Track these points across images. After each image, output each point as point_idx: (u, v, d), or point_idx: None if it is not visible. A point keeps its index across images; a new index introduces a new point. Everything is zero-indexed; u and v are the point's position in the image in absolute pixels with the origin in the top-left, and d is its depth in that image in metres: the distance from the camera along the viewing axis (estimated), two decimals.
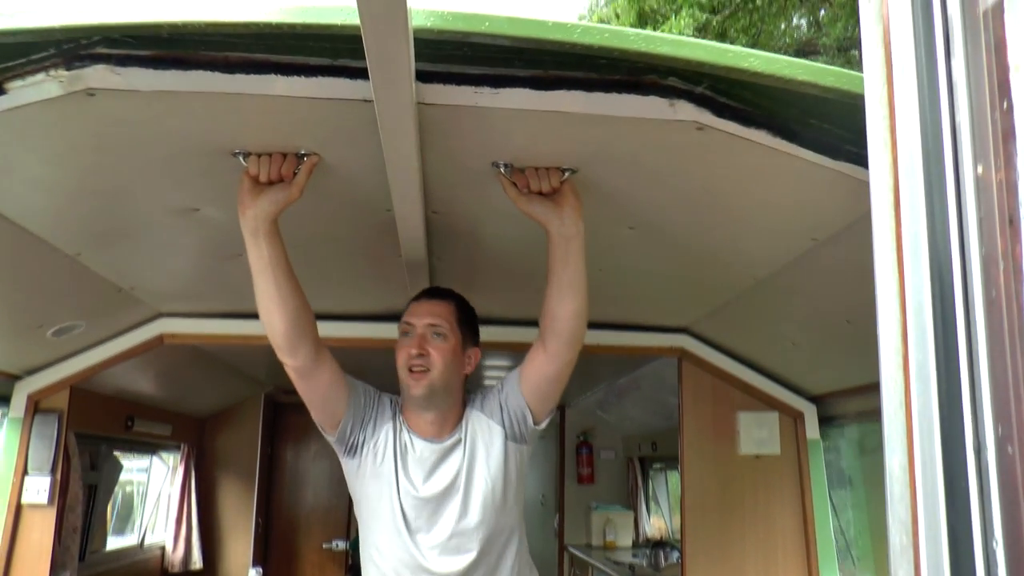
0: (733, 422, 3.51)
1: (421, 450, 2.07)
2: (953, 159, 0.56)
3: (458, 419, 2.12)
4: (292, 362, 1.97)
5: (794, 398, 3.51)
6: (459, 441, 2.08)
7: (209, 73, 1.41)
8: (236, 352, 4.24)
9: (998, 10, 0.52)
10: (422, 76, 1.41)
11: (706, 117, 1.50)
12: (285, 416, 6.34)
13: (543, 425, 2.12)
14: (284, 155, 1.74)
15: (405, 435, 2.08)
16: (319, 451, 6.35)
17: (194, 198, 2.01)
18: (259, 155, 1.75)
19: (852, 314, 2.47)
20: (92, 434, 3.96)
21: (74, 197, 2.01)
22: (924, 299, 0.60)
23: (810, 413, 3.51)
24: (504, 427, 2.08)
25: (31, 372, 3.26)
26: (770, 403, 3.51)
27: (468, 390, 2.20)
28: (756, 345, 3.39)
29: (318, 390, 2.03)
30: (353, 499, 2.18)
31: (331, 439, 2.11)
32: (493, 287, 2.89)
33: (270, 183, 1.76)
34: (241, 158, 1.73)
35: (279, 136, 1.67)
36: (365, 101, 1.44)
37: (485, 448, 2.08)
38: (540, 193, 1.81)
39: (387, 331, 3.11)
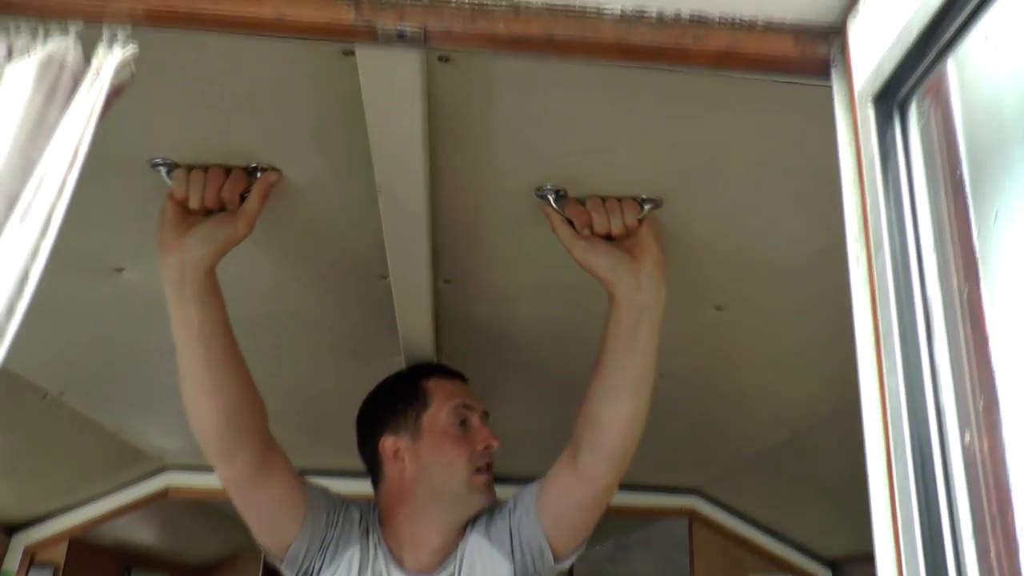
0: None
1: None
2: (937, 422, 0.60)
3: (454, 547, 1.56)
4: (228, 471, 1.42)
5: (809, 562, 3.41)
6: (455, 571, 1.54)
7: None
8: None
9: (974, 286, 0.57)
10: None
11: None
12: None
13: (567, 563, 1.56)
14: (227, 170, 1.19)
15: (381, 563, 1.52)
16: None
17: (116, 248, 1.43)
18: (189, 169, 1.18)
19: (861, 483, 2.44)
20: None
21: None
22: (910, 485, 0.62)
23: None
24: (514, 560, 1.51)
25: (30, 523, 3.21)
26: (784, 567, 3.41)
27: None
28: (768, 507, 3.33)
29: (264, 507, 1.48)
30: None
31: (276, 563, 1.56)
32: (532, 397, 2.15)
33: (206, 212, 1.21)
34: (163, 172, 1.17)
35: (218, 137, 1.14)
36: (345, 54, 0.94)
37: None
38: (607, 237, 1.24)
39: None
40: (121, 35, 0.80)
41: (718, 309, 1.58)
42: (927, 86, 0.67)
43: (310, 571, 1.52)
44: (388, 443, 1.59)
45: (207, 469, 3.14)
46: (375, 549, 1.55)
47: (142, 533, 4.10)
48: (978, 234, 0.59)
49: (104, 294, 1.59)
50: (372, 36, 0.83)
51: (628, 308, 1.28)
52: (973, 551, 0.56)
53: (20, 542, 3.18)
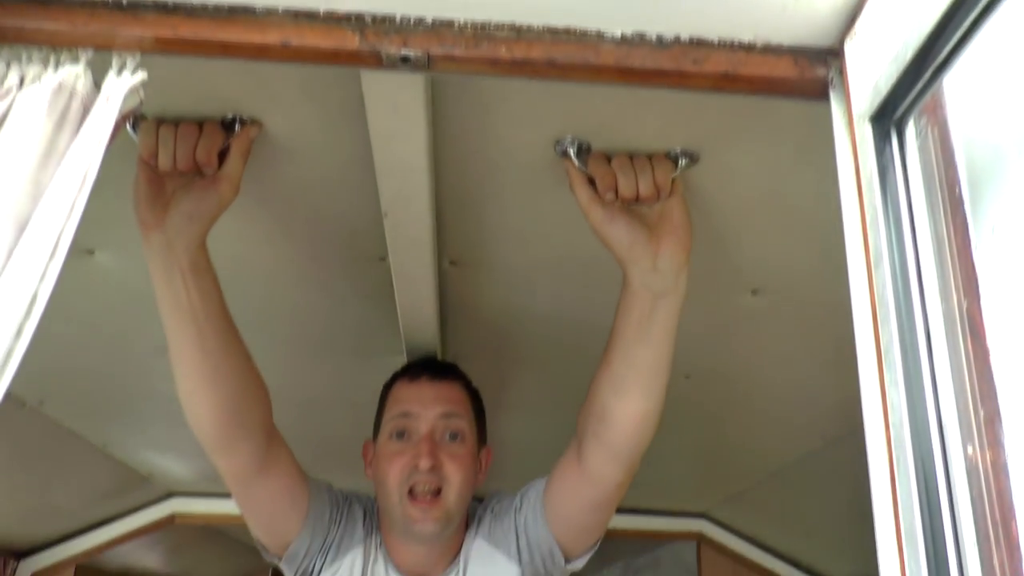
0: None
1: None
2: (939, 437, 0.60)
3: (456, 550, 1.43)
4: (228, 466, 1.31)
5: None
6: None
7: None
8: (246, 528, 4.15)
9: (974, 301, 0.58)
10: None
11: None
12: None
13: (580, 563, 1.42)
14: (200, 125, 1.03)
15: (380, 568, 1.41)
16: None
17: (82, 225, 1.02)
18: (159, 123, 1.03)
19: (864, 510, 2.43)
20: None
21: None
22: (914, 510, 0.62)
23: None
24: (520, 562, 1.39)
25: (37, 549, 3.21)
26: None
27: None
28: (775, 531, 3.31)
29: (265, 502, 1.38)
30: None
31: (274, 560, 1.47)
32: (548, 393, 1.94)
33: (180, 176, 1.06)
34: (128, 127, 1.02)
35: (190, 82, 0.99)
36: None
37: None
38: (634, 201, 1.08)
39: None
40: (130, 63, 0.82)
41: (754, 293, 1.44)
42: (924, 105, 0.68)
43: (310, 571, 1.42)
44: (367, 446, 1.52)
45: (213, 495, 3.17)
46: (375, 551, 1.43)
47: (148, 559, 4.09)
48: (977, 249, 0.59)
49: (75, 282, 1.44)
50: (377, 61, 0.85)
51: (642, 292, 1.12)
52: (977, 562, 0.56)
53: (28, 568, 3.18)
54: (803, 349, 1.63)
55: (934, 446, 0.60)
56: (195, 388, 1.19)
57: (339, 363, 1.85)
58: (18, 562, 3.17)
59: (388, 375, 1.56)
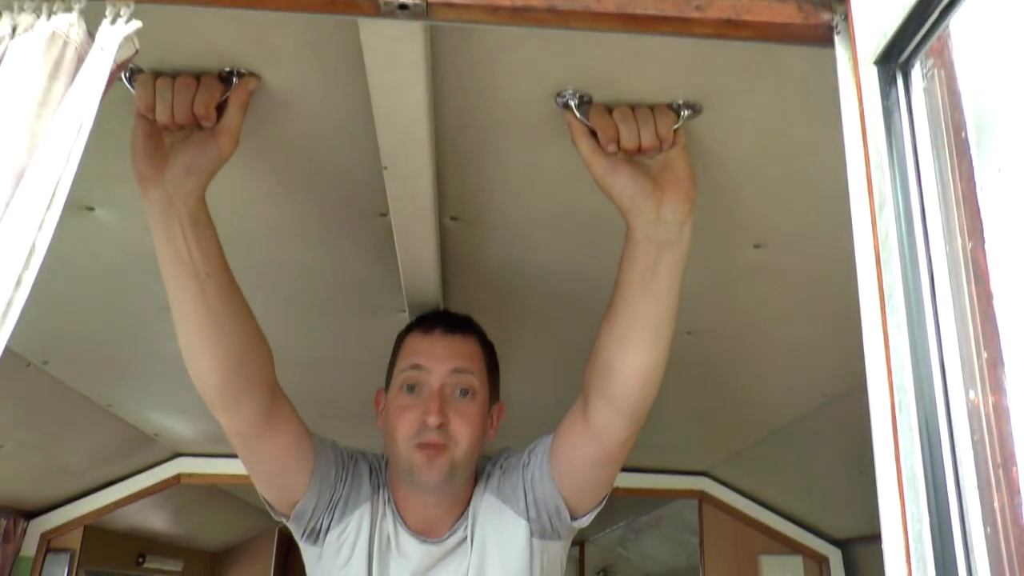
0: (756, 565, 3.41)
1: (409, 551, 1.41)
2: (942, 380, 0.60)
3: (465, 505, 1.44)
4: (232, 423, 1.31)
5: (818, 542, 3.42)
6: (463, 540, 1.42)
7: None
8: (252, 489, 4.19)
9: (978, 244, 0.57)
10: None
11: None
12: (298, 551, 6.18)
13: (586, 520, 1.43)
14: (197, 77, 1.02)
15: (389, 524, 1.42)
16: None
17: (81, 181, 0.89)
18: (156, 76, 1.02)
19: (864, 465, 2.45)
20: (102, 571, 3.91)
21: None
22: (917, 466, 0.62)
23: (835, 558, 3.40)
24: (528, 519, 1.40)
25: (46, 510, 3.25)
26: (793, 547, 3.42)
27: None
28: (776, 489, 3.34)
29: (270, 460, 1.38)
30: None
31: (282, 519, 1.48)
32: (552, 350, 1.94)
33: (179, 129, 1.06)
34: (123, 79, 1.01)
35: (186, 35, 0.97)
36: None
37: (500, 550, 1.40)
38: (636, 152, 1.07)
39: None
40: (124, 11, 0.80)
41: (757, 247, 1.43)
42: (930, 48, 0.67)
43: (317, 529, 1.43)
44: (379, 395, 1.50)
45: (219, 455, 3.20)
46: (384, 507, 1.43)
47: (156, 519, 4.14)
48: (982, 191, 0.59)
49: (74, 240, 1.44)
50: (375, 9, 0.83)
51: (645, 243, 1.11)
52: (978, 506, 0.56)
53: (37, 528, 3.22)
54: (805, 304, 1.63)
55: (936, 390, 0.60)
56: (197, 344, 1.19)
57: (340, 320, 1.85)
58: (28, 522, 3.21)
59: (390, 332, 1.55)
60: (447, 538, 1.42)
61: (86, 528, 3.30)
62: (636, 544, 5.68)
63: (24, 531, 3.18)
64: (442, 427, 1.33)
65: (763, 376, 2.13)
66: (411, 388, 1.38)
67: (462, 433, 1.35)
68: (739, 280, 1.54)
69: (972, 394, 0.59)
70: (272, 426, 1.32)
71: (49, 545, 3.23)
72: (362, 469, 1.47)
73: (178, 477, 3.27)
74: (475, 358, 1.43)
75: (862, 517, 3.12)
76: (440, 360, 1.38)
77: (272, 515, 1.49)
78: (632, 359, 1.18)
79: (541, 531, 1.40)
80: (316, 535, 1.44)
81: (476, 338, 1.46)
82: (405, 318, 1.65)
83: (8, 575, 3.08)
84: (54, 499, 3.22)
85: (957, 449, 0.59)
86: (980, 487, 0.58)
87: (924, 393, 0.60)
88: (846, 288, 1.48)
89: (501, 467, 1.47)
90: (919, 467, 0.60)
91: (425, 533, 1.42)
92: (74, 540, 3.28)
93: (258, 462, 1.40)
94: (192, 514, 4.43)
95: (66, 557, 3.24)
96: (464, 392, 1.38)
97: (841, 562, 3.40)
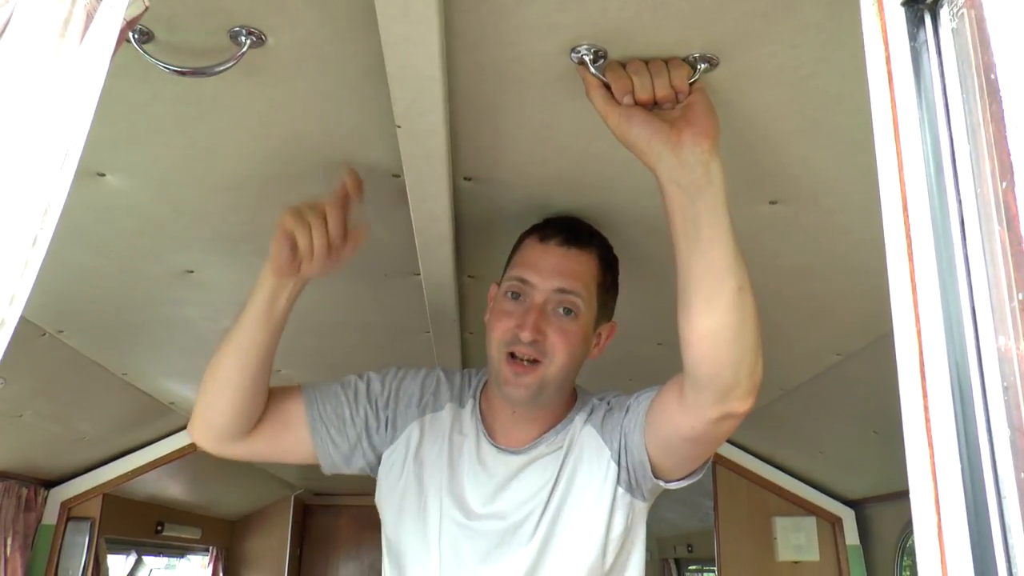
0: (770, 527, 3.42)
1: (489, 461, 1.39)
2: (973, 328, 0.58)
3: (556, 422, 1.41)
4: (230, 450, 1.45)
5: (831, 503, 3.43)
6: (556, 451, 1.38)
7: None
8: None
9: (1010, 187, 0.56)
10: None
11: None
12: (315, 518, 6.29)
13: (674, 486, 1.38)
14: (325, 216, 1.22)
15: (471, 434, 1.42)
16: (349, 553, 6.26)
17: (93, 145, 0.92)
18: (299, 214, 1.22)
19: (878, 425, 2.44)
20: (122, 539, 3.96)
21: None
22: (947, 420, 0.61)
23: (848, 518, 3.41)
24: (619, 465, 1.35)
25: (65, 479, 3.28)
26: (807, 508, 3.43)
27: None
28: (789, 451, 3.34)
29: (278, 455, 1.50)
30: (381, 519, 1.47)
31: (331, 472, 1.50)
32: None
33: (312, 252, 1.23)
34: (132, 39, 1.00)
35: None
36: None
37: (589, 479, 1.36)
38: (652, 104, 1.05)
39: None
40: None
41: (773, 203, 1.40)
42: None
43: (372, 463, 1.45)
44: (494, 289, 1.45)
45: None
46: (468, 418, 1.43)
47: (174, 488, 4.19)
48: (1013, 134, 0.57)
49: (86, 207, 1.45)
50: None
51: (675, 192, 1.05)
52: (1009, 455, 0.55)
53: (57, 498, 3.25)
54: (821, 260, 1.61)
55: (967, 336, 0.59)
56: (219, 395, 1.35)
57: (355, 285, 1.85)
58: (48, 491, 3.25)
59: (403, 295, 1.56)
60: (529, 449, 1.38)
61: (105, 497, 3.34)
62: (650, 508, 5.72)
63: (45, 500, 3.23)
64: (536, 343, 1.29)
65: (776, 335, 2.12)
66: (515, 296, 1.34)
67: (558, 349, 1.30)
68: (753, 237, 1.51)
69: (1002, 340, 0.58)
70: (266, 437, 1.42)
71: (69, 514, 3.28)
72: (410, 387, 1.47)
73: (195, 445, 3.30)
74: (586, 277, 1.34)
75: (875, 478, 3.12)
76: (547, 277, 1.32)
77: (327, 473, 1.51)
78: (692, 322, 1.10)
79: (627, 482, 1.35)
80: (373, 467, 1.46)
81: (596, 254, 1.38)
82: (419, 281, 1.65)
83: (31, 543, 3.12)
84: (73, 468, 3.25)
85: (988, 398, 0.58)
86: (1012, 437, 0.57)
87: (954, 340, 0.59)
88: (863, 243, 1.48)
89: (608, 403, 1.41)
90: (949, 415, 0.59)
91: (508, 443, 1.39)
92: (94, 508, 3.32)
93: (269, 458, 1.49)
94: (209, 482, 4.48)
95: (86, 525, 3.28)
96: (568, 311, 1.32)
97: (855, 523, 3.41)
